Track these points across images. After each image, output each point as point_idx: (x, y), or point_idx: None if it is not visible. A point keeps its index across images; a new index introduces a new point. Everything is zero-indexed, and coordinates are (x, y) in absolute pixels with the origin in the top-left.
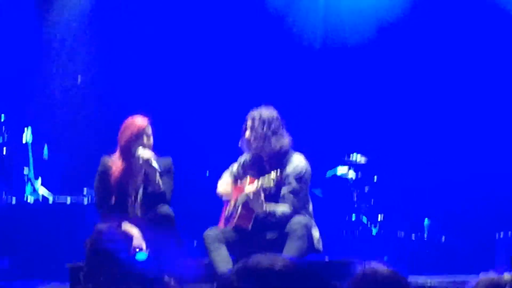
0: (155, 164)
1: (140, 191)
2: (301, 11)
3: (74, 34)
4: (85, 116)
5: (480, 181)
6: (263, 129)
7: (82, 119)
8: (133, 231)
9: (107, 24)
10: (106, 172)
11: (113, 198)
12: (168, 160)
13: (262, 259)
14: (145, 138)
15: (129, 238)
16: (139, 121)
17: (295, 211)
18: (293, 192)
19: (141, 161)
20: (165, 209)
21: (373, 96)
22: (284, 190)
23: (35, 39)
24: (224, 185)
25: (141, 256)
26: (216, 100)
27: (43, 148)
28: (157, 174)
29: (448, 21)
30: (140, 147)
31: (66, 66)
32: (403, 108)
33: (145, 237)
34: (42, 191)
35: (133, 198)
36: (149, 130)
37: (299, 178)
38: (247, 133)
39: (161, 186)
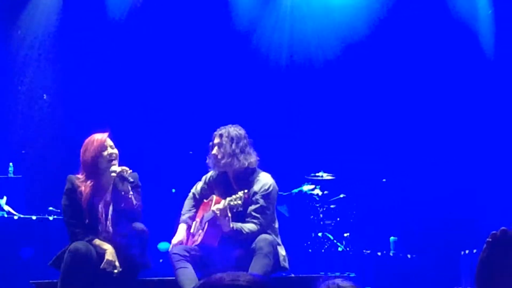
0: (131, 179)
1: (110, 208)
2: (267, 28)
3: (38, 53)
4: (50, 135)
5: (444, 199)
6: (231, 146)
7: (47, 138)
8: (106, 246)
9: (70, 45)
10: (74, 191)
11: (86, 214)
12: (135, 175)
13: (225, 275)
14: (109, 149)
15: (101, 254)
16: (98, 135)
17: (262, 229)
18: (260, 210)
19: (114, 175)
20: (140, 225)
21: (338, 114)
22: (251, 208)
23: (1, 55)
24: (179, 233)
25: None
26: (183, 118)
27: (8, 167)
28: (129, 190)
29: (411, 39)
30: (113, 166)
31: (31, 85)
32: (368, 125)
33: (119, 253)
34: (7, 208)
35: (103, 215)
36: (110, 142)
37: (266, 196)
38: (215, 149)
39: (134, 201)
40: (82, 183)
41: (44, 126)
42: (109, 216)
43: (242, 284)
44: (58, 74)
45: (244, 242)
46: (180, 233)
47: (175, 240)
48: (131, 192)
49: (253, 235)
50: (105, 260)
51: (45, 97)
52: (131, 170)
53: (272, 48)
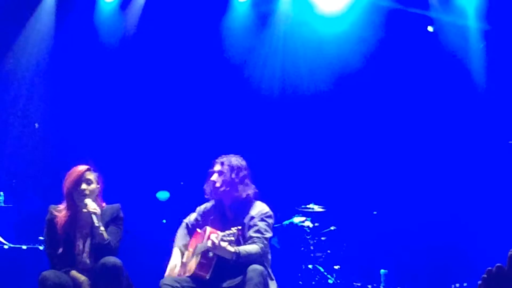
0: (95, 219)
1: (88, 240)
2: (260, 59)
3: (30, 83)
4: (41, 164)
5: (435, 232)
6: (231, 175)
7: (38, 167)
8: (82, 278)
9: (62, 75)
10: (52, 221)
11: (61, 247)
12: (115, 207)
13: None
14: (84, 185)
15: (77, 284)
16: (79, 168)
17: (264, 250)
18: (260, 232)
19: (85, 211)
20: (112, 260)
21: (329, 146)
22: (251, 232)
23: None
24: (174, 258)
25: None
26: (173, 148)
27: None
28: (99, 226)
29: (402, 72)
30: (89, 200)
31: (22, 114)
32: (360, 158)
33: (95, 285)
34: None
35: (80, 247)
36: (90, 176)
37: (264, 219)
38: (215, 176)
39: (106, 237)
40: (60, 213)
41: (35, 155)
42: (86, 249)
43: None
44: (50, 104)
45: (239, 269)
46: (175, 258)
47: (170, 264)
48: (101, 228)
49: (256, 255)
50: None
51: (36, 126)
52: (111, 208)
53: (264, 79)
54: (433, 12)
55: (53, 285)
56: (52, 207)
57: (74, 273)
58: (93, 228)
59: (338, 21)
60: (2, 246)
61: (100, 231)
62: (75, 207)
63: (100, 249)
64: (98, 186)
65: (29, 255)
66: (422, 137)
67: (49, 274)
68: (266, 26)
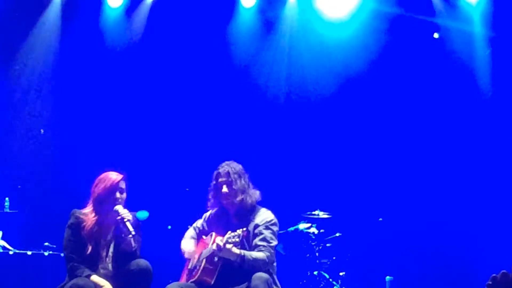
0: (130, 226)
1: (112, 245)
2: (265, 64)
3: (36, 88)
4: (46, 170)
5: (441, 239)
6: (241, 182)
7: (43, 173)
8: (103, 283)
9: (68, 80)
10: (78, 225)
11: (88, 249)
12: (134, 215)
13: None
14: (117, 194)
15: None
16: (114, 176)
17: (269, 257)
18: (265, 240)
19: (118, 218)
20: (144, 263)
21: (335, 152)
22: (257, 240)
23: None
24: (188, 243)
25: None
26: (179, 152)
27: (4, 202)
28: (132, 233)
29: (408, 78)
30: (120, 206)
31: (28, 120)
32: (365, 164)
33: None
34: (3, 243)
35: (104, 252)
36: (123, 185)
37: (269, 227)
38: (225, 188)
39: (134, 244)
40: (87, 217)
41: (41, 161)
42: (110, 254)
43: None
44: (56, 109)
45: (244, 276)
46: (188, 242)
47: (187, 247)
48: (130, 236)
49: (261, 262)
50: None
51: (42, 132)
52: (131, 216)
53: (270, 84)
54: (439, 18)
55: None
56: (76, 212)
57: (96, 278)
58: (120, 234)
59: (343, 27)
60: (7, 252)
61: (130, 238)
62: (103, 212)
63: (124, 255)
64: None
65: (33, 261)
66: (428, 143)
67: (80, 281)
68: (271, 32)
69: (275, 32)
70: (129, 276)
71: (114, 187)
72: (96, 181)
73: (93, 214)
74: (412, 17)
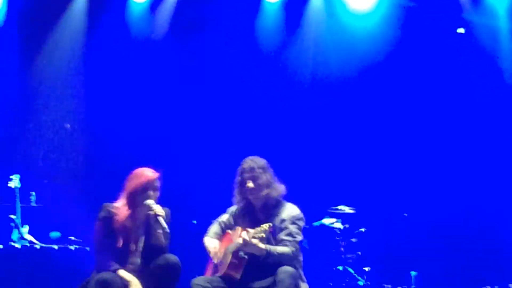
0: (162, 222)
1: (142, 240)
2: (293, 51)
3: (62, 82)
4: (72, 164)
5: (467, 234)
6: (266, 176)
7: (69, 167)
8: (130, 278)
9: (94, 74)
10: (109, 219)
11: (118, 243)
12: (166, 212)
13: None
14: (151, 192)
15: (126, 283)
16: (149, 173)
17: (294, 253)
18: (291, 235)
19: (152, 214)
20: (173, 258)
21: (360, 147)
22: (282, 235)
23: (23, 84)
24: (211, 242)
25: None
26: (204, 144)
27: (30, 196)
28: (165, 229)
29: (433, 72)
30: (152, 201)
31: (54, 114)
32: (391, 159)
33: (145, 284)
34: (29, 238)
35: (134, 246)
36: (157, 184)
37: (295, 222)
38: (250, 183)
39: (164, 240)
40: (119, 211)
41: (67, 155)
42: (139, 248)
43: None
44: (82, 103)
45: (270, 270)
46: (211, 242)
47: (211, 247)
48: (160, 231)
49: (286, 257)
50: None
51: (68, 127)
52: (164, 212)
53: (296, 76)
54: (464, 13)
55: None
56: (107, 205)
57: (122, 273)
58: (151, 229)
59: (367, 18)
60: (34, 246)
61: (161, 234)
62: (135, 207)
63: (154, 250)
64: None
65: (60, 255)
66: (453, 137)
67: (106, 276)
68: (297, 24)
69: (301, 24)
70: (158, 271)
71: (149, 185)
72: (131, 176)
73: (125, 208)
74: (437, 12)
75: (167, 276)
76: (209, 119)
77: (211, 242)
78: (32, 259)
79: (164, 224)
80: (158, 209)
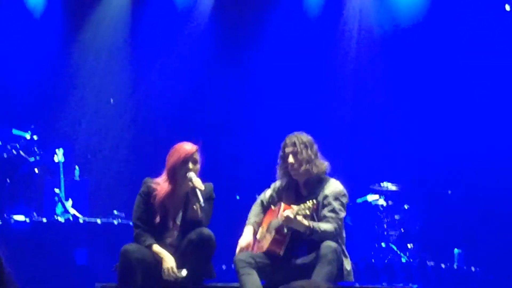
0: (199, 195)
1: (180, 214)
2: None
3: (105, 58)
4: (116, 138)
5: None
6: (307, 152)
7: (112, 141)
8: (163, 255)
9: (138, 49)
10: (149, 194)
11: (156, 218)
12: (209, 186)
13: (305, 284)
14: (190, 165)
15: (159, 259)
16: (188, 146)
17: (337, 229)
18: (334, 211)
19: (191, 185)
20: (208, 231)
21: (405, 124)
22: (325, 211)
23: (67, 59)
24: (246, 237)
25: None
26: (247, 123)
27: (74, 170)
28: (201, 203)
29: (479, 51)
30: (193, 174)
31: (97, 90)
32: (435, 136)
33: (180, 259)
34: (73, 211)
35: (172, 221)
36: (197, 156)
37: (338, 199)
38: (291, 158)
39: (200, 214)
40: (159, 186)
41: (110, 130)
42: (177, 223)
43: None
44: (126, 78)
45: (313, 246)
46: (247, 235)
47: (242, 241)
48: (197, 204)
49: (330, 234)
50: (163, 269)
51: (112, 102)
52: (204, 187)
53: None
54: None
55: (135, 259)
56: (148, 180)
57: (156, 248)
58: (189, 203)
59: None
60: (77, 220)
61: (198, 208)
62: (176, 182)
63: (191, 225)
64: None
65: (103, 229)
66: (501, 114)
67: (131, 248)
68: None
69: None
70: (192, 245)
71: (188, 158)
72: (171, 151)
73: (166, 184)
74: None
75: (201, 250)
76: (256, 92)
77: (246, 235)
78: (75, 232)
79: (201, 198)
80: (198, 183)
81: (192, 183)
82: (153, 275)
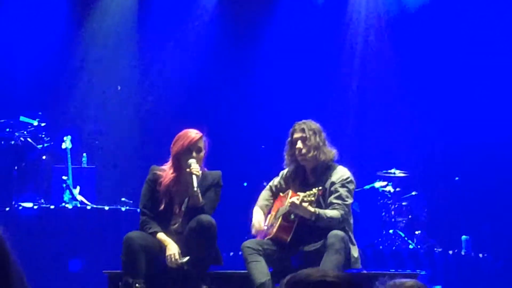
0: (194, 180)
1: (185, 201)
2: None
3: (113, 44)
4: (123, 126)
5: None
6: (315, 139)
7: (120, 129)
8: (167, 242)
9: (145, 36)
10: (155, 181)
11: (162, 205)
12: (217, 174)
13: (313, 271)
14: (194, 152)
15: (163, 246)
16: (192, 133)
17: (344, 216)
18: (341, 198)
19: (188, 170)
20: (207, 218)
21: (412, 110)
22: (332, 198)
23: (75, 49)
24: (257, 215)
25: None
26: (256, 112)
27: (81, 157)
28: (196, 188)
29: (498, 37)
30: (194, 160)
31: (105, 76)
32: (442, 123)
33: (184, 246)
34: (80, 198)
35: (177, 208)
36: (201, 144)
37: (345, 185)
38: (299, 144)
39: (200, 200)
40: (165, 173)
41: (118, 117)
42: (183, 209)
43: (331, 280)
44: (133, 65)
45: (320, 233)
46: (257, 215)
47: (254, 221)
48: (197, 191)
49: (336, 221)
50: (166, 256)
51: (119, 89)
52: (213, 174)
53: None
54: None
55: (138, 246)
56: (155, 168)
57: (160, 236)
58: (190, 190)
59: None
60: (85, 207)
61: (196, 194)
62: (180, 170)
63: (194, 212)
64: (205, 152)
65: (111, 216)
66: (506, 102)
67: (135, 235)
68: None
69: None
70: (192, 232)
71: (192, 145)
72: (176, 138)
73: (171, 171)
74: None
75: (201, 237)
76: (264, 79)
77: (256, 215)
78: (83, 219)
79: (195, 183)
80: (195, 168)
81: (190, 169)
82: (157, 263)
